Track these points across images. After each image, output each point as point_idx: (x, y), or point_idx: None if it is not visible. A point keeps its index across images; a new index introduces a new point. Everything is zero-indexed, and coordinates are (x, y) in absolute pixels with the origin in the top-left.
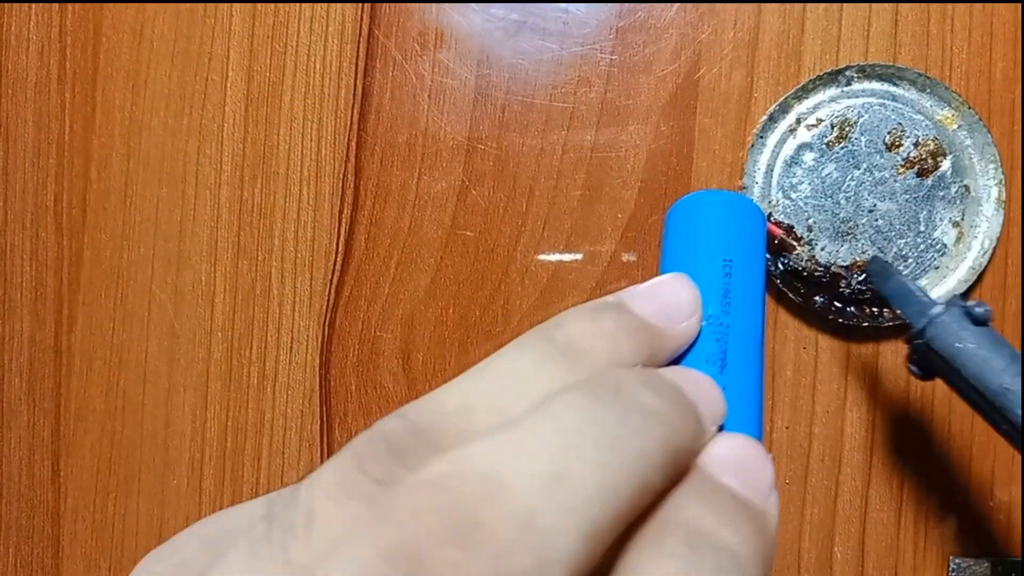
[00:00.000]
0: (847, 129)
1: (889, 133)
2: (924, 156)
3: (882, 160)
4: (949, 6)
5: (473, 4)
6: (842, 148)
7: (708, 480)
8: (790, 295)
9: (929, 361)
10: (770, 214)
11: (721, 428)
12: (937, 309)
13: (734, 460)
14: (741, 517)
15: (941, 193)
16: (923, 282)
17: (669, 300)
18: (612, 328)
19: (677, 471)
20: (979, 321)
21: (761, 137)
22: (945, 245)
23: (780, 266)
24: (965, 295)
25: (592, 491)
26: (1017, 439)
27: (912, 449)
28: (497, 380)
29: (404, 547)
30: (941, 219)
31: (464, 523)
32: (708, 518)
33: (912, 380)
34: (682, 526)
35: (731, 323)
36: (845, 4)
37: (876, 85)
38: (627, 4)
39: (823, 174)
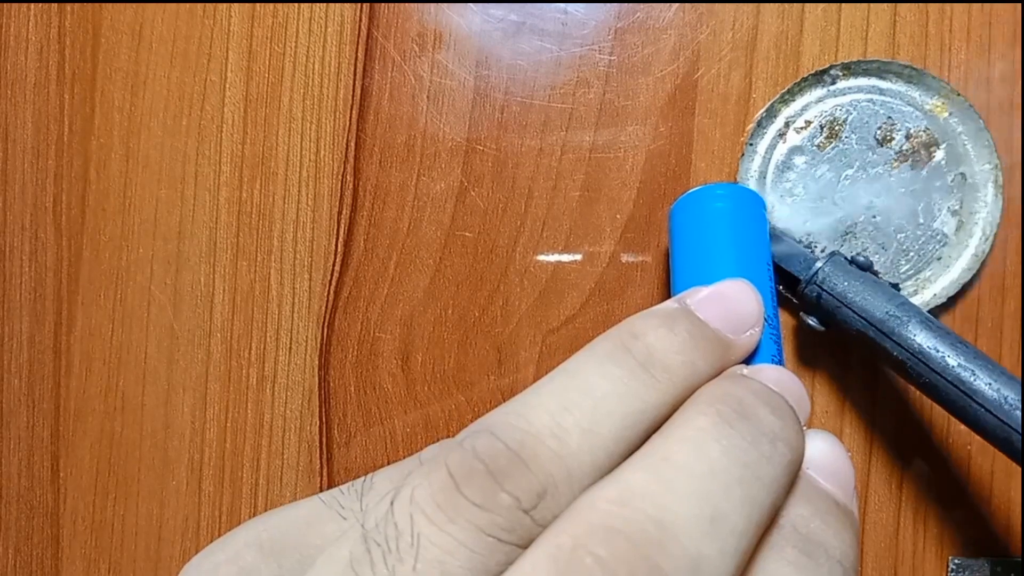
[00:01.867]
0: (837, 128)
1: (879, 128)
2: (917, 148)
3: (875, 156)
4: (948, 6)
5: (472, 5)
6: (833, 148)
7: (812, 486)
8: (793, 300)
9: (821, 308)
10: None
11: None
12: (823, 259)
13: (827, 464)
14: (842, 523)
15: (937, 183)
16: (927, 273)
17: (737, 309)
18: (688, 341)
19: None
20: (862, 267)
21: (751, 144)
22: (946, 235)
23: None
24: (968, 284)
25: (743, 527)
26: (903, 355)
27: (912, 449)
28: (581, 397)
29: None
30: (939, 209)
31: (647, 571)
32: (817, 524)
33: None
34: (798, 534)
35: (776, 323)
36: (843, 4)
37: (862, 81)
38: (626, 5)
39: (816, 176)
